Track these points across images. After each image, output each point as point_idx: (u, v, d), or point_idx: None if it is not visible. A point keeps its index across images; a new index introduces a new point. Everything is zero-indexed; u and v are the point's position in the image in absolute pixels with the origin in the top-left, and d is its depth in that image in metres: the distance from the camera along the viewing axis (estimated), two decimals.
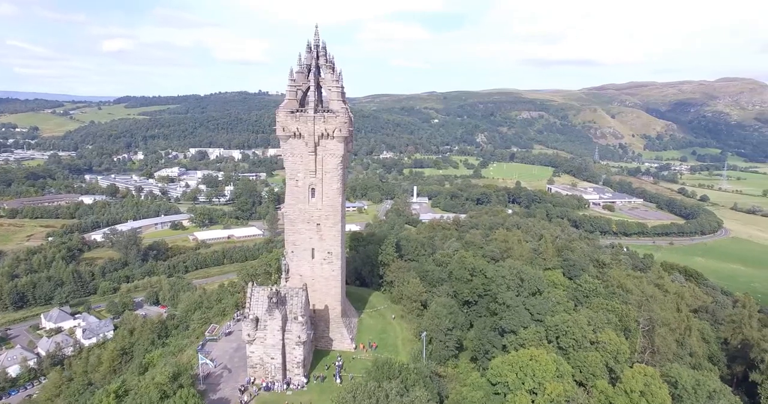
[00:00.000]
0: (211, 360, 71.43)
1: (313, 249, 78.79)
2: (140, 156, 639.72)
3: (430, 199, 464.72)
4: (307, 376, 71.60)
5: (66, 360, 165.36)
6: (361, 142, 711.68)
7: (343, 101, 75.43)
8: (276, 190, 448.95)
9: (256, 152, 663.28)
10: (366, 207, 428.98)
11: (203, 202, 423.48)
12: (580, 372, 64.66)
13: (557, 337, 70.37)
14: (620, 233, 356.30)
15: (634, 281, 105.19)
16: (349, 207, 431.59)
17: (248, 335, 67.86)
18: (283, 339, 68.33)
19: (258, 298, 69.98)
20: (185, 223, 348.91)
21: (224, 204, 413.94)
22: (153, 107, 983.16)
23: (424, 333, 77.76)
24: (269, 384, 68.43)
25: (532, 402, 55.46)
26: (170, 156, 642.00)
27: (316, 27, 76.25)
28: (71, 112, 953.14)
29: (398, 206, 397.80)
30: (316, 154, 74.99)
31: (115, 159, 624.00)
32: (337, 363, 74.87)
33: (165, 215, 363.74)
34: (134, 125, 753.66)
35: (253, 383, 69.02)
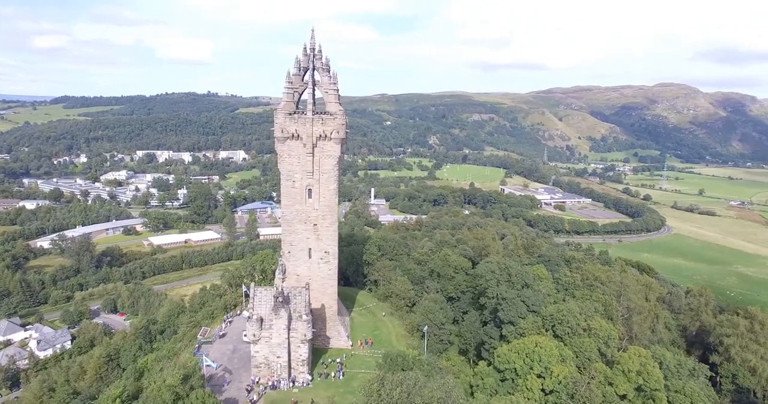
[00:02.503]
0: (212, 361, 71.20)
1: (310, 249, 79.80)
2: (83, 159, 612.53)
3: (387, 200, 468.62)
4: (311, 374, 72.61)
5: (22, 373, 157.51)
6: None
7: (339, 103, 77.00)
8: (232, 192, 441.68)
9: (207, 154, 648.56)
10: None
11: (156, 206, 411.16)
12: (576, 356, 69.01)
13: (553, 326, 74.72)
14: (573, 232, 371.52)
15: (607, 274, 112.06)
16: None
17: (254, 335, 68.25)
18: (288, 338, 69.07)
19: (261, 298, 70.50)
20: (138, 228, 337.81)
21: (178, 208, 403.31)
22: (95, 108, 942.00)
23: (426, 327, 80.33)
24: (275, 383, 69.04)
25: (542, 384, 58.97)
26: (116, 159, 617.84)
27: (312, 30, 77.50)
28: (2, 112, 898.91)
29: (357, 208, 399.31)
30: (313, 156, 76.13)
31: (55, 162, 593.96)
32: (338, 360, 76.30)
33: (116, 220, 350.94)
34: (75, 126, 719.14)
35: (258, 382, 69.39)
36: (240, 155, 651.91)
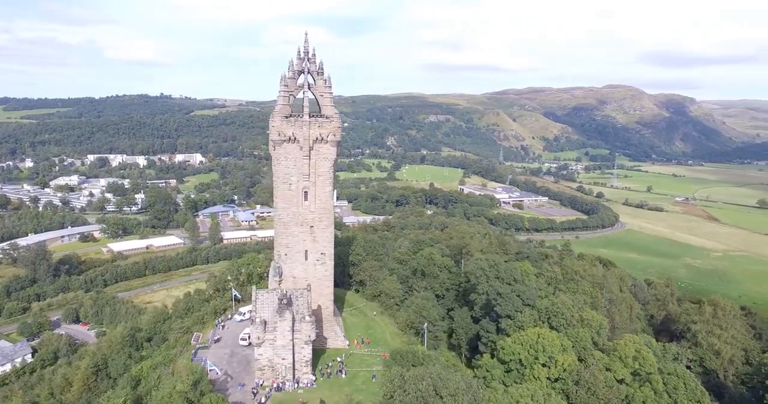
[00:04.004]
0: (213, 366, 71.01)
1: (306, 250, 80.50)
2: (29, 163, 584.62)
3: (350, 201, 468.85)
4: (314, 374, 73.33)
5: None
6: None
7: (334, 106, 78.12)
8: (192, 196, 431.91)
9: (163, 158, 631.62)
10: None
11: (113, 211, 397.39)
12: (573, 346, 72.67)
13: (548, 318, 78.34)
14: (532, 229, 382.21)
15: (584, 268, 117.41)
16: (269, 212, 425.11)
17: (258, 338, 68.48)
18: (292, 339, 69.63)
19: (263, 302, 70.76)
20: (96, 235, 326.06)
21: (137, 213, 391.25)
22: (40, 110, 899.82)
23: (426, 324, 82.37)
24: (280, 385, 69.43)
25: (548, 373, 62.05)
26: (65, 163, 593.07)
27: (306, 34, 78.29)
28: None
29: None
30: (310, 158, 76.93)
31: None
32: (339, 360, 77.39)
33: (72, 226, 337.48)
34: (18, 130, 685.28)
35: (262, 385, 69.56)
36: (197, 158, 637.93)
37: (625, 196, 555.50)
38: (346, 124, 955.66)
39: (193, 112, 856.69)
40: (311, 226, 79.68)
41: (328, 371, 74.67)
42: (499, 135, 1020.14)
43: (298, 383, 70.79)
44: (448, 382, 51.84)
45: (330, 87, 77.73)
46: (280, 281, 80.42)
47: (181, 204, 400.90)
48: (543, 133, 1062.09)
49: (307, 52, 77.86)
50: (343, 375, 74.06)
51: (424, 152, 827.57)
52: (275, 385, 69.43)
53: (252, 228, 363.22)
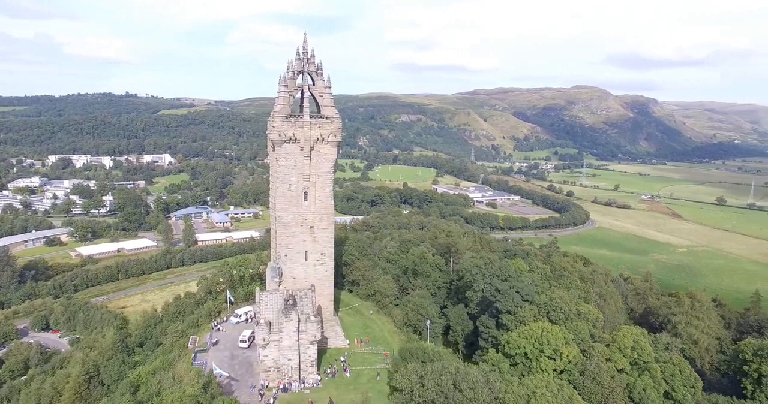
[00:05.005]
0: (217, 368, 70.24)
1: (306, 251, 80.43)
2: None
3: None
4: (319, 374, 73.29)
5: None
6: (243, 146, 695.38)
7: (334, 106, 78.25)
8: (163, 198, 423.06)
9: (130, 159, 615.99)
10: (261, 212, 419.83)
11: (80, 214, 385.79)
12: (573, 339, 74.78)
13: (548, 313, 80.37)
14: (506, 227, 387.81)
15: (570, 264, 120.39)
16: (243, 213, 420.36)
17: (263, 339, 68.09)
18: (298, 340, 69.49)
19: (267, 303, 70.38)
20: (63, 238, 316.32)
21: (106, 216, 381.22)
22: None
23: (428, 321, 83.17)
24: (286, 386, 69.17)
25: (554, 365, 63.76)
26: (24, 164, 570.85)
27: (305, 34, 78.12)
28: None
29: None
30: (310, 159, 76.87)
31: None
32: (342, 359, 77.51)
33: (36, 230, 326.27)
34: None
35: (268, 387, 69.16)
36: (165, 159, 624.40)
37: (594, 194, 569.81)
38: None
39: (161, 112, 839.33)
40: (311, 226, 79.66)
41: (332, 370, 74.78)
42: (470, 135, 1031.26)
43: (304, 383, 70.70)
44: (467, 376, 52.87)
45: (329, 87, 77.92)
46: (280, 282, 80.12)
47: (152, 206, 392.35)
48: (513, 132, 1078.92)
49: (306, 53, 77.82)
50: (347, 374, 74.34)
51: (397, 152, 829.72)
52: (281, 386, 69.20)
53: (227, 230, 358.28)
